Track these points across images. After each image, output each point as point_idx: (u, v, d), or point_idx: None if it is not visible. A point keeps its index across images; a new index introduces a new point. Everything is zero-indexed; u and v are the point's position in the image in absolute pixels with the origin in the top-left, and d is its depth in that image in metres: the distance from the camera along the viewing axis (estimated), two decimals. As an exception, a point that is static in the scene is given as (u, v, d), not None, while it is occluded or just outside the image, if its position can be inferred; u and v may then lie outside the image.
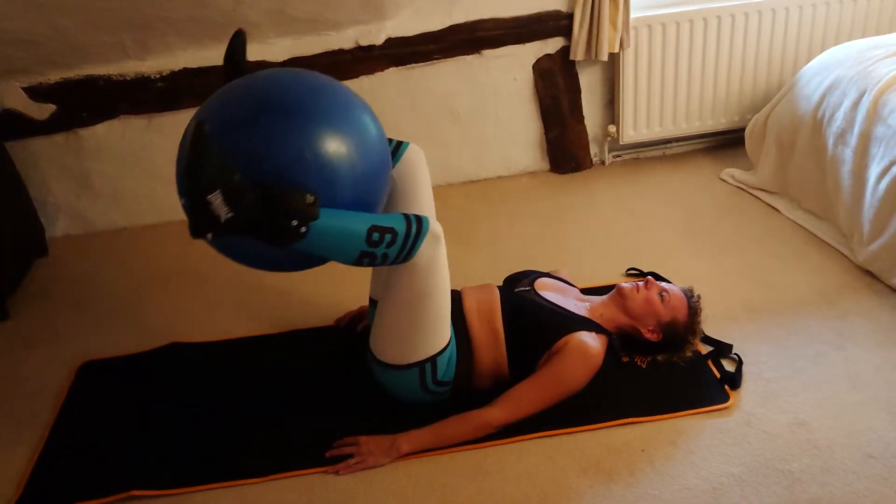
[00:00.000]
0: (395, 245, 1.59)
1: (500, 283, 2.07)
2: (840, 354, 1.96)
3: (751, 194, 2.80)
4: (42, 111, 2.74)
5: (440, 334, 1.76)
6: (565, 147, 3.10)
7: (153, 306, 2.45)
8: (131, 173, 2.90)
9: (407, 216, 1.62)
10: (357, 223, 1.55)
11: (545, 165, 3.16)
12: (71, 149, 2.84)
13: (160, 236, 2.91)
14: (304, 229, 1.47)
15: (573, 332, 1.82)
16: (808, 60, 2.77)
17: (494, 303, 1.91)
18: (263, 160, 1.46)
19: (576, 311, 1.93)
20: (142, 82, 2.74)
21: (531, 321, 1.87)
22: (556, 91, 2.99)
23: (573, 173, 3.13)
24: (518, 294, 1.96)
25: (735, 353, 1.98)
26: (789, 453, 1.69)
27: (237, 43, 1.76)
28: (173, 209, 2.98)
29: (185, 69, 2.74)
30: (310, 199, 1.47)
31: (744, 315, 2.15)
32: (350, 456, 1.74)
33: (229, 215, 1.41)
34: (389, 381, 1.82)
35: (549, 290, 2.00)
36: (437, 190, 3.04)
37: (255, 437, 1.84)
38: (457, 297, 1.93)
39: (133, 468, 1.76)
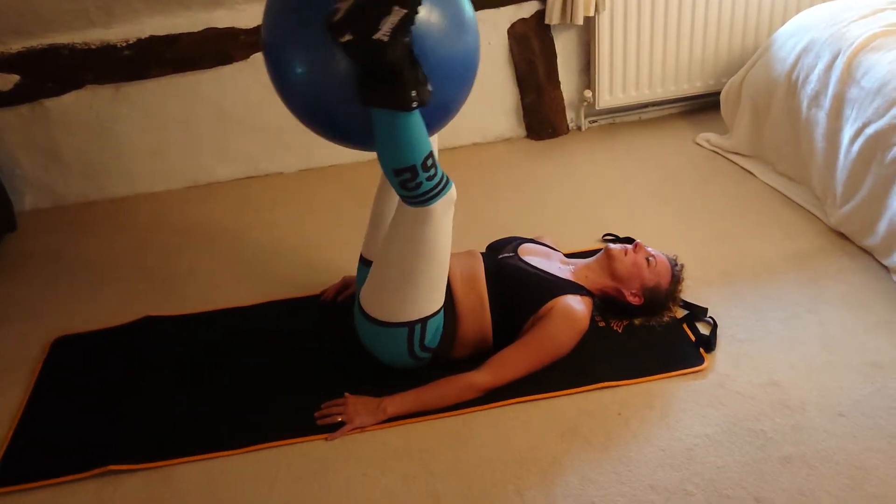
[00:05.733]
0: (431, 181, 1.59)
1: (483, 250, 2.06)
2: (813, 317, 1.99)
3: (726, 158, 2.81)
4: (5, 82, 2.67)
5: (434, 298, 1.75)
6: (542, 113, 3.08)
7: (126, 280, 2.41)
8: (100, 144, 2.84)
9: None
10: (427, 142, 1.57)
11: (521, 132, 3.14)
12: (37, 120, 2.77)
13: (132, 209, 2.86)
14: (415, 104, 1.47)
15: (559, 297, 1.83)
16: (783, 23, 2.76)
17: (478, 269, 1.90)
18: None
19: (560, 275, 1.93)
20: (107, 51, 2.67)
21: (516, 287, 1.87)
22: (531, 56, 2.96)
23: (550, 139, 3.11)
24: (502, 260, 1.95)
25: (710, 317, 2.00)
26: (762, 413, 1.71)
27: None
28: (145, 181, 2.94)
29: (151, 37, 2.67)
30: (430, 87, 1.48)
31: (718, 279, 2.16)
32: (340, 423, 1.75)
33: (385, 38, 1.38)
34: (376, 339, 1.80)
35: (532, 256, 2.00)
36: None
37: (233, 409, 1.84)
38: None
39: (109, 443, 1.75)
